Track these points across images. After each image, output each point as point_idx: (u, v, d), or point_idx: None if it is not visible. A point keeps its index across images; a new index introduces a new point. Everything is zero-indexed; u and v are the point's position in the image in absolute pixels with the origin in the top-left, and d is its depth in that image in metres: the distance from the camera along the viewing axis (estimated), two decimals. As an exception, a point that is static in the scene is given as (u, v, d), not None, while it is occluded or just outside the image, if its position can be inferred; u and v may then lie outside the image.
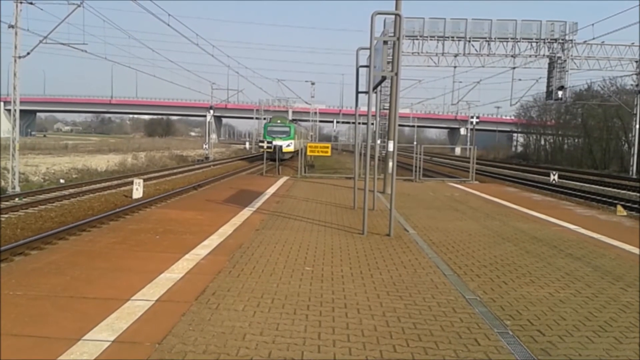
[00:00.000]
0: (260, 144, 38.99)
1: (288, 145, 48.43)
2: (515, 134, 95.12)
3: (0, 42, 30.62)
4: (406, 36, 37.59)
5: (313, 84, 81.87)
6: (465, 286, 6.33)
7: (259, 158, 55.01)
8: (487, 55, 40.10)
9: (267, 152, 37.30)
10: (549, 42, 39.51)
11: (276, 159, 38.30)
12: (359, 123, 12.68)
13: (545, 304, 5.74)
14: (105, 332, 4.42)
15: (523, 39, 39.41)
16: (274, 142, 38.95)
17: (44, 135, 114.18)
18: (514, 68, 41.11)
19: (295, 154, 46.45)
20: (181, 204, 12.71)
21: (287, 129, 50.56)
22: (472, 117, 54.64)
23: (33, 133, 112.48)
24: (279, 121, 51.72)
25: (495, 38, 39.41)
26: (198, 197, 14.08)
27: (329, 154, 22.62)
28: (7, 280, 5.85)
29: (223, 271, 6.56)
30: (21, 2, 22.54)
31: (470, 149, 27.05)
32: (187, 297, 5.47)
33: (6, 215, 16.66)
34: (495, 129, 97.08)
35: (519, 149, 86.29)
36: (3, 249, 11.76)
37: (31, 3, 22.86)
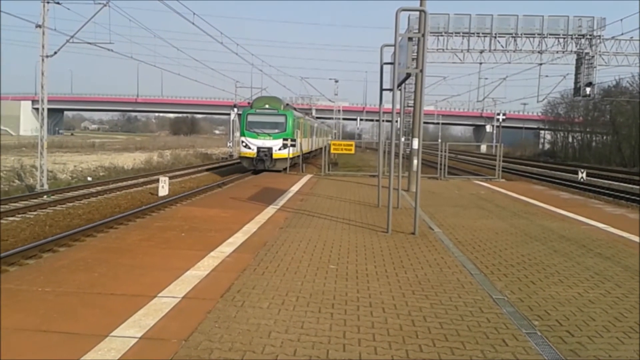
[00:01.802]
0: (244, 148, 29.91)
1: (283, 147, 28.16)
2: (542, 131, 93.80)
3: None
4: (431, 33, 37.28)
5: (337, 81, 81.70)
6: (492, 286, 6.25)
7: (231, 169, 36.80)
8: (514, 52, 39.57)
9: (246, 158, 30.01)
10: (576, 38, 38.84)
11: (264, 169, 28.37)
12: (383, 120, 12.61)
13: (574, 304, 5.63)
14: (133, 329, 4.46)
15: (550, 34, 38.79)
16: (258, 142, 29.58)
17: (72, 134, 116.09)
18: (541, 64, 40.53)
19: (297, 159, 29.83)
20: (206, 201, 12.80)
21: (280, 118, 30.33)
22: (498, 114, 54.01)
23: (61, 131, 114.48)
24: (266, 106, 30.52)
25: (521, 34, 38.86)
26: (222, 194, 14.16)
27: (352, 151, 22.57)
28: (36, 276, 5.95)
29: (248, 269, 6.58)
30: (48, 2, 22.88)
31: (496, 146, 26.72)
32: (212, 295, 5.50)
33: (34, 213, 16.97)
34: (521, 126, 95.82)
35: (546, 146, 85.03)
36: (31, 246, 11.98)
37: (58, 3, 23.19)
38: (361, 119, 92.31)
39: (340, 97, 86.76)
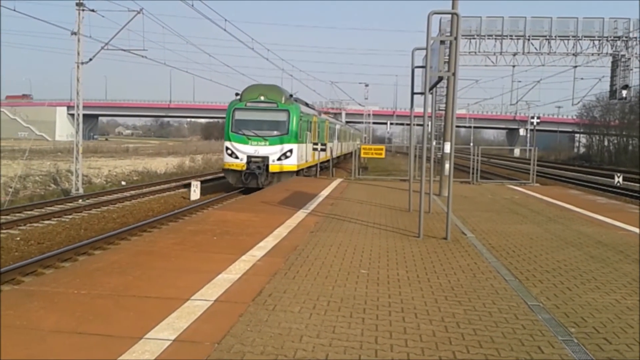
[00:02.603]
0: (228, 156, 22.29)
1: (284, 156, 22.38)
2: (577, 135, 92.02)
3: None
4: (463, 35, 36.96)
5: (367, 85, 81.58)
6: (528, 292, 6.13)
7: (216, 185, 27.70)
8: (548, 54, 39.01)
9: (231, 171, 22.21)
10: (612, 40, 38.07)
11: (257, 187, 20.88)
12: (414, 124, 12.53)
13: (611, 311, 5.49)
14: (166, 331, 4.51)
15: (585, 37, 38.13)
16: (248, 149, 22.06)
17: (106, 139, 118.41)
18: (576, 67, 39.83)
19: (310, 170, 25.41)
20: (237, 205, 12.89)
21: (280, 115, 22.79)
22: (532, 117, 53.16)
23: (95, 137, 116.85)
24: (261, 98, 22.83)
25: (555, 36, 38.30)
26: (253, 198, 14.23)
27: (383, 156, 22.45)
28: (72, 279, 6.06)
29: (279, 273, 6.59)
30: (83, 10, 23.41)
31: (530, 150, 26.30)
32: (244, 298, 5.52)
33: (70, 216, 17.34)
34: (556, 129, 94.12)
35: (581, 150, 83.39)
36: (67, 249, 12.23)
37: (93, 10, 23.72)
38: (391, 123, 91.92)
39: (370, 101, 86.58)
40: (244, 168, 21.94)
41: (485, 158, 59.09)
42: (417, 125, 17.68)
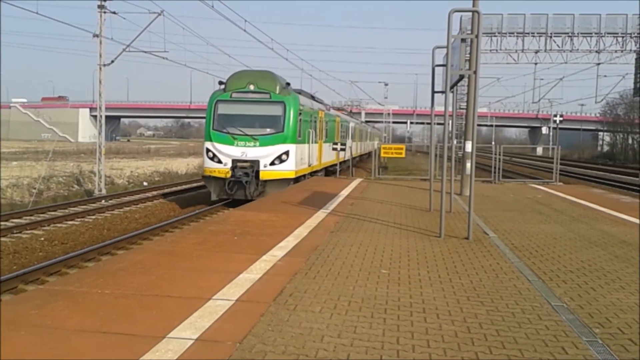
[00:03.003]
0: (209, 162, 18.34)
1: (278, 160, 18.54)
2: (600, 133, 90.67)
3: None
4: (484, 33, 36.64)
5: (386, 84, 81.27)
6: (551, 292, 6.05)
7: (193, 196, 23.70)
8: (570, 51, 38.50)
9: (212, 179, 18.18)
10: (636, 37, 37.40)
11: (245, 199, 17.17)
12: (435, 123, 12.45)
13: (637, 312, 5.40)
14: (189, 330, 4.54)
15: (608, 33, 37.53)
16: (234, 151, 18.10)
17: (128, 140, 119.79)
18: (599, 64, 39.27)
19: (310, 176, 21.43)
20: (257, 205, 12.93)
21: (274, 108, 18.93)
22: (555, 116, 52.49)
23: (117, 138, 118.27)
24: (250, 87, 18.90)
25: (578, 33, 37.77)
26: (273, 199, 14.26)
27: (403, 155, 22.38)
28: (96, 279, 6.13)
29: (299, 273, 6.59)
30: (105, 12, 23.69)
31: (553, 148, 26.00)
32: (265, 298, 5.53)
33: (93, 217, 17.56)
34: (579, 127, 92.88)
35: (605, 148, 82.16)
36: (90, 249, 12.39)
37: (114, 13, 24.00)
38: (411, 122, 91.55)
39: (390, 100, 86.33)
40: (229, 175, 17.80)
41: (507, 157, 58.52)
42: (438, 124, 17.58)
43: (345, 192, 15.96)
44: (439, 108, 12.03)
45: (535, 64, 40.43)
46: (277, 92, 18.71)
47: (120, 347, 4.19)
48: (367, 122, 65.97)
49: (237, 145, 18.27)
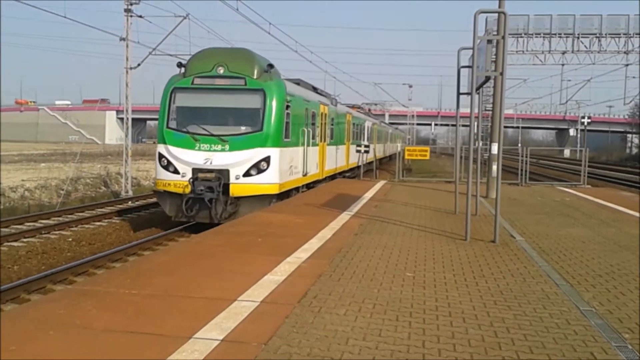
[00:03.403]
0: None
1: (255, 170, 13.52)
2: (629, 135, 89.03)
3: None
4: (510, 34, 36.28)
5: (410, 86, 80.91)
6: (580, 297, 5.95)
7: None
8: (598, 52, 37.90)
9: (167, 195, 13.75)
10: (665, 38, 36.68)
11: (209, 222, 13.05)
12: (460, 125, 12.35)
13: (670, 318, 5.27)
14: (214, 331, 4.56)
15: (636, 34, 36.86)
16: (194, 157, 13.61)
17: (154, 142, 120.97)
18: (627, 65, 38.57)
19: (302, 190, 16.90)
20: (281, 207, 12.96)
21: (250, 99, 14.00)
22: (582, 117, 51.67)
23: (144, 140, 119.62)
24: (220, 70, 13.91)
25: (606, 34, 37.17)
26: (297, 200, 14.29)
27: (427, 157, 22.23)
28: (123, 279, 6.21)
29: (324, 275, 6.58)
30: (131, 16, 24.01)
31: (580, 150, 25.61)
32: (290, 300, 5.54)
33: (120, 218, 17.79)
34: (607, 129, 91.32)
35: (634, 150, 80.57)
36: (117, 250, 12.55)
37: (140, 16, 24.31)
38: (436, 124, 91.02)
39: (414, 102, 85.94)
40: (188, 190, 13.20)
41: (534, 159, 57.73)
42: (463, 125, 17.42)
43: (368, 195, 15.92)
44: (465, 110, 11.95)
45: (563, 65, 39.99)
46: (255, 76, 13.80)
47: (147, 347, 4.23)
48: (390, 124, 65.49)
49: (200, 150, 13.47)
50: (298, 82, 17.86)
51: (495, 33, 14.44)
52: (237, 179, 13.36)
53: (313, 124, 17.69)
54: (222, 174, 13.33)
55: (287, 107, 14.48)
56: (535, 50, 38.32)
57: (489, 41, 9.16)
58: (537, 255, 8.02)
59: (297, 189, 16.21)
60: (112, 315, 4.95)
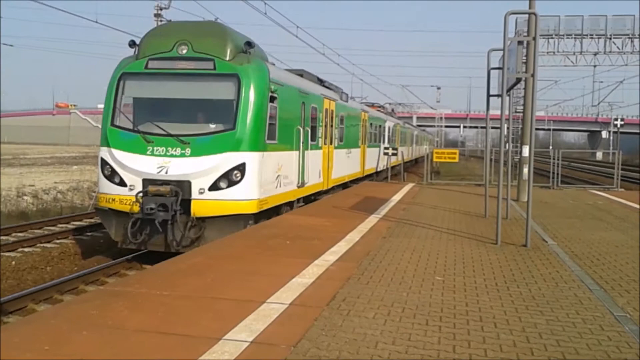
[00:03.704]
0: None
1: (225, 181, 10.28)
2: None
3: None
4: (541, 35, 35.78)
5: (439, 88, 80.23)
6: (613, 302, 5.83)
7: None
8: (631, 53, 37.13)
9: (111, 214, 10.73)
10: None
11: (164, 249, 10.20)
12: (490, 127, 12.20)
13: None
14: (244, 333, 4.59)
15: (670, 35, 36.01)
16: (147, 164, 10.39)
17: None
18: (662, 65, 37.64)
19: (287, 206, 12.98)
20: (309, 210, 12.98)
21: (222, 89, 10.81)
22: (615, 119, 50.62)
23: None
24: (182, 50, 10.74)
25: (639, 35, 36.34)
26: (325, 203, 14.29)
27: (456, 159, 22.07)
28: (155, 280, 6.29)
29: (352, 278, 6.57)
30: (161, 20, 24.37)
31: (613, 153, 25.09)
32: (318, 302, 5.54)
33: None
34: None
35: (669, 153, 78.53)
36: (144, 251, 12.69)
37: (170, 21, 24.68)
38: (465, 126, 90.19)
39: (442, 104, 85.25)
40: (136, 210, 10.19)
41: (566, 162, 56.77)
42: (493, 128, 17.23)
43: (396, 197, 15.84)
44: (495, 111, 11.81)
45: (595, 66, 39.36)
46: (228, 57, 10.70)
47: (178, 348, 4.27)
48: (418, 126, 65.01)
49: (154, 154, 10.39)
50: (301, 74, 15.24)
51: (525, 34, 14.24)
52: (201, 193, 10.20)
53: (314, 122, 14.66)
54: (182, 187, 10.13)
55: (273, 98, 11.37)
56: (566, 51, 37.75)
57: (520, 42, 9.05)
58: (569, 260, 7.88)
59: (290, 204, 13.10)
60: (144, 315, 5.01)
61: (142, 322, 4.85)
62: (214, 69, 10.72)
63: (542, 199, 16.00)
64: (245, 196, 10.51)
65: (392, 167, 27.92)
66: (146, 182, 10.28)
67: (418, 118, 79.54)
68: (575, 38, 37.18)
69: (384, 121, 27.60)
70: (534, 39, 8.87)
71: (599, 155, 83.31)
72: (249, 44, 11.13)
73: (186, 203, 10.20)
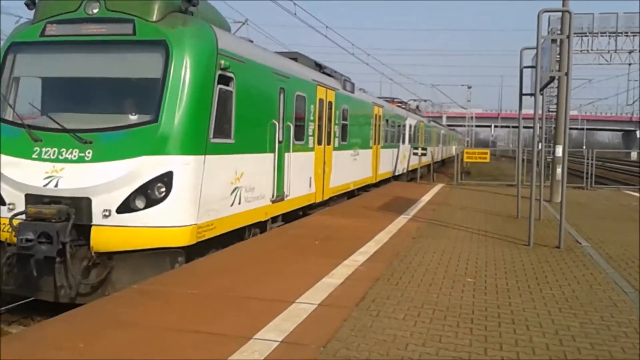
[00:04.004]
0: None
1: (141, 198, 6.89)
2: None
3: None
4: (574, 33, 35.13)
5: (469, 87, 79.38)
6: (651, 306, 5.69)
7: None
8: (667, 51, 36.14)
9: None
10: None
11: (48, 297, 6.79)
12: (523, 127, 12.03)
13: None
14: (274, 332, 4.61)
15: None
16: (32, 172, 7.01)
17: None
18: (698, 64, 36.60)
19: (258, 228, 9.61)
20: (338, 210, 12.97)
21: (144, 62, 7.52)
22: (651, 118, 49.34)
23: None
24: (91, 9, 7.46)
25: (675, 33, 35.42)
26: (354, 204, 14.26)
27: (487, 160, 21.82)
28: (186, 279, 6.37)
29: (381, 279, 6.54)
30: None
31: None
32: (347, 303, 5.53)
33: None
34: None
35: None
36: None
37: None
38: (496, 126, 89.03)
39: (473, 104, 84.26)
40: (12, 239, 6.84)
41: (600, 162, 55.61)
42: (525, 127, 16.96)
43: (426, 198, 15.73)
44: (527, 111, 11.63)
45: (629, 64, 38.37)
46: (155, 17, 7.60)
47: (209, 346, 4.31)
48: (448, 126, 64.30)
49: (41, 159, 7.25)
50: (295, 57, 12.46)
51: (559, 32, 14.00)
52: (105, 217, 6.95)
53: (301, 115, 11.55)
54: (77, 207, 6.91)
55: (227, 79, 8.18)
56: (600, 49, 36.96)
57: (554, 41, 8.90)
58: (603, 262, 7.73)
59: (261, 226, 9.72)
60: (175, 314, 5.08)
61: (174, 320, 4.91)
62: (134, 33, 7.49)
63: (575, 199, 15.71)
64: (172, 221, 7.12)
65: (413, 171, 26.17)
66: (30, 198, 7.00)
67: (448, 117, 78.70)
68: (609, 36, 36.38)
69: (403, 118, 24.06)
70: (568, 37, 8.72)
71: (634, 155, 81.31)
72: (190, 1, 7.75)
73: (84, 230, 6.94)
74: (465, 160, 22.62)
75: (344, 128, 14.75)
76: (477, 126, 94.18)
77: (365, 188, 17.85)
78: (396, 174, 21.48)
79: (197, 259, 7.42)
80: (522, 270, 7.14)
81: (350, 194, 15.92)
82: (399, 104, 25.93)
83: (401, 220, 11.19)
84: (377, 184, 19.22)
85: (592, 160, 20.62)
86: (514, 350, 4.40)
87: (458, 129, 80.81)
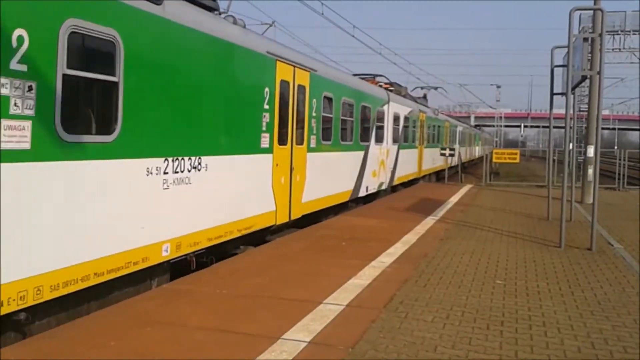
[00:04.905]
0: None
1: None
2: None
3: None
4: (606, 31, 34.45)
5: (499, 87, 78.24)
6: (688, 310, 5.54)
7: None
8: (702, 48, 35.16)
9: None
10: None
11: None
12: (554, 127, 11.84)
13: None
14: (302, 333, 4.62)
15: None
16: None
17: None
18: None
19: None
20: (365, 211, 12.94)
21: None
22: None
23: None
24: None
25: None
26: (381, 204, 14.22)
27: (517, 160, 21.54)
28: (215, 279, 6.42)
29: (409, 280, 6.51)
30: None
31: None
32: (375, 304, 5.52)
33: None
34: None
35: None
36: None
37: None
38: (525, 126, 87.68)
39: (502, 104, 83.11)
40: None
41: (632, 162, 54.36)
42: (556, 127, 16.71)
43: (454, 199, 15.59)
44: (557, 110, 11.45)
45: (663, 62, 37.29)
46: None
47: (238, 346, 4.35)
48: (476, 126, 63.56)
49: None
50: (289, 52, 9.62)
51: (590, 30, 13.74)
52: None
53: (281, 106, 9.06)
54: None
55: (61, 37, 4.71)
56: (632, 47, 36.12)
57: (585, 39, 8.75)
58: (636, 264, 7.57)
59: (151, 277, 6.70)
60: (205, 313, 5.13)
61: (203, 319, 4.96)
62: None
63: (607, 201, 15.40)
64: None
65: (425, 177, 22.81)
66: None
67: (476, 117, 77.82)
68: (642, 34, 35.56)
69: (418, 114, 19.32)
70: (600, 35, 8.57)
71: (668, 155, 79.43)
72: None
73: None
74: (494, 160, 22.37)
75: (336, 123, 11.92)
76: (506, 126, 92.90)
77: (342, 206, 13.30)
78: (360, 194, 14.16)
79: (225, 260, 7.54)
80: (553, 272, 7.03)
81: (335, 211, 12.62)
82: (388, 85, 18.50)
83: (429, 222, 11.12)
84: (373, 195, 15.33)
85: (624, 160, 20.22)
86: (545, 353, 4.34)
87: (486, 129, 79.85)
